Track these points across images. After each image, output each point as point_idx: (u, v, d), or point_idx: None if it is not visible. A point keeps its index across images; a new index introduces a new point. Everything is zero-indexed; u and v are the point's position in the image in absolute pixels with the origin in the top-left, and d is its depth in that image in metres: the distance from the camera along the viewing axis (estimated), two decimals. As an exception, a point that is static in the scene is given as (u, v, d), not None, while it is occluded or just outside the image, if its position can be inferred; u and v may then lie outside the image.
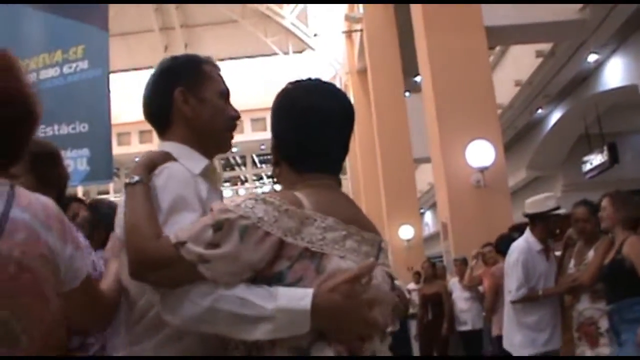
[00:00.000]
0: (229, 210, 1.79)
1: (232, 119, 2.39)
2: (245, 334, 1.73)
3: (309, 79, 2.27)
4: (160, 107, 2.33)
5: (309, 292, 1.72)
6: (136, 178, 2.05)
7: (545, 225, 6.17)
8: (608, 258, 5.36)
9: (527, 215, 6.31)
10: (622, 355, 5.02)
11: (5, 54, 1.82)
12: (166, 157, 2.17)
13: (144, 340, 2.00)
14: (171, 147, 2.26)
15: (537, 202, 6.26)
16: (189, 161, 2.20)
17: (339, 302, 1.73)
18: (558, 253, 6.41)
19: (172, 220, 1.94)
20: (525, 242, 6.26)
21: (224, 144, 2.40)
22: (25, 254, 1.65)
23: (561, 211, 6.22)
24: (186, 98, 2.27)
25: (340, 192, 2.08)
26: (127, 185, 2.08)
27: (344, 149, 2.15)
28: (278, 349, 1.74)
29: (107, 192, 41.00)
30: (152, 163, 2.13)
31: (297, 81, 2.22)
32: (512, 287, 6.24)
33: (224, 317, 1.73)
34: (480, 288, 9.92)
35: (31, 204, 1.72)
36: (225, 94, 2.39)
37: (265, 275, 1.78)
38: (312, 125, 2.07)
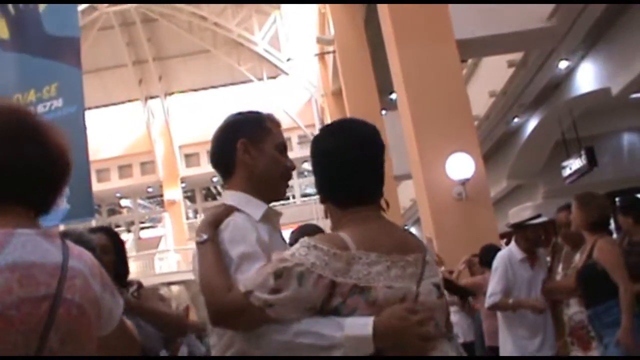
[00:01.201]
0: (286, 259, 2.11)
1: (287, 169, 2.64)
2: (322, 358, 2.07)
3: (338, 121, 2.62)
4: (224, 156, 2.62)
5: (370, 320, 2.05)
6: (204, 237, 2.36)
7: (523, 234, 6.29)
8: (581, 262, 5.39)
9: (509, 227, 6.42)
10: (608, 356, 5.05)
11: (30, 112, 1.99)
12: (229, 210, 2.47)
13: None
14: (233, 196, 2.56)
15: (514, 213, 6.43)
16: (249, 208, 2.50)
17: (395, 325, 2.06)
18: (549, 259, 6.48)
19: (243, 269, 2.26)
20: (508, 251, 6.41)
21: (280, 191, 2.66)
22: (82, 299, 1.80)
23: (541, 219, 6.30)
24: (247, 148, 2.56)
25: (380, 222, 2.33)
26: (197, 243, 2.38)
27: (379, 178, 2.41)
28: None
29: (90, 230, 40.80)
30: (218, 219, 2.42)
31: (325, 125, 2.53)
32: (487, 294, 6.41)
33: (304, 348, 2.06)
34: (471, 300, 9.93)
35: (81, 255, 1.89)
36: (282, 146, 2.65)
37: (325, 311, 2.10)
38: (339, 165, 2.34)
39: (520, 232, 6.33)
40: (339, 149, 2.35)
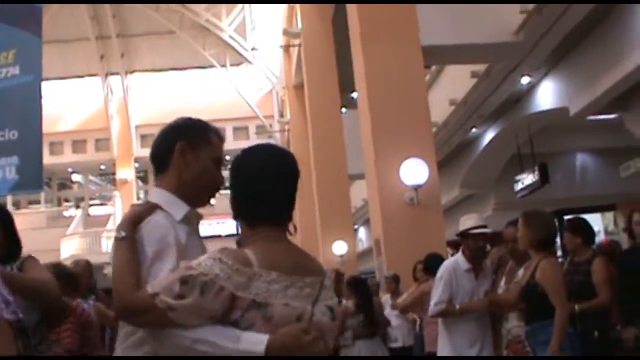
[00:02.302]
0: (193, 267, 2.21)
1: (216, 184, 2.74)
2: None
3: (260, 144, 2.68)
4: (162, 153, 2.72)
5: (265, 338, 2.17)
6: (123, 234, 2.46)
7: (466, 244, 6.34)
8: (524, 280, 5.46)
9: (457, 235, 6.49)
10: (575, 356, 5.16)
11: None
12: (151, 209, 2.57)
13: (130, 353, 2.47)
14: (159, 194, 2.68)
15: (460, 222, 6.45)
16: (172, 208, 2.62)
17: (289, 344, 2.18)
18: None
19: (155, 268, 2.40)
20: (454, 261, 6.50)
21: (203, 200, 2.76)
22: None
23: (484, 230, 6.37)
24: (184, 152, 2.66)
25: (285, 243, 2.44)
26: (115, 239, 2.48)
27: (289, 203, 2.51)
28: None
29: (38, 202, 40.26)
30: (139, 217, 2.52)
31: (248, 147, 2.59)
32: (432, 302, 6.46)
33: (199, 355, 2.19)
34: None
35: None
36: (219, 161, 2.75)
37: (225, 322, 2.21)
38: (252, 186, 2.45)
39: (464, 241, 6.40)
40: (253, 171, 2.47)
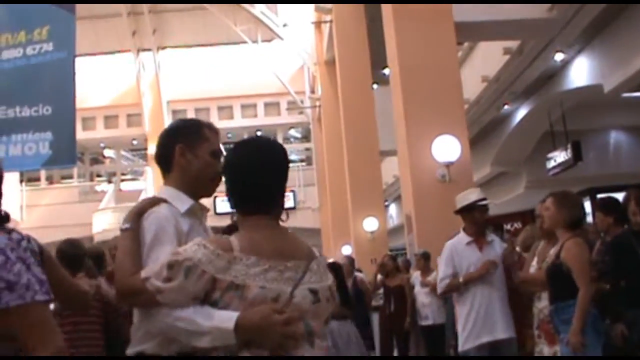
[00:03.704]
0: (179, 253, 2.48)
1: (218, 174, 2.98)
2: (195, 342, 2.44)
3: (252, 137, 3.02)
4: (164, 157, 3.03)
5: (235, 315, 2.39)
6: (126, 225, 2.78)
7: (471, 217, 6.45)
8: (547, 260, 5.45)
9: (456, 213, 6.52)
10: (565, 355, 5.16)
11: None
12: (153, 202, 2.89)
13: (146, 342, 2.67)
14: (166, 190, 2.98)
15: (461, 197, 6.55)
16: (177, 202, 2.91)
17: (257, 322, 2.38)
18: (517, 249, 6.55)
19: (152, 254, 2.69)
20: (455, 239, 6.60)
21: (208, 191, 3.05)
22: None
23: (486, 202, 6.52)
24: (184, 153, 2.97)
25: (271, 230, 2.62)
26: (120, 230, 2.79)
27: (278, 193, 2.70)
28: (220, 351, 2.43)
29: (71, 177, 40.62)
30: (142, 209, 2.83)
31: (239, 142, 2.79)
32: (437, 281, 6.69)
33: (181, 332, 2.46)
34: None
35: None
36: (216, 153, 3.03)
37: (207, 302, 2.45)
38: (242, 177, 2.65)
39: (468, 215, 6.47)
40: (243, 162, 2.67)
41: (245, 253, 2.47)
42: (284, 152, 2.74)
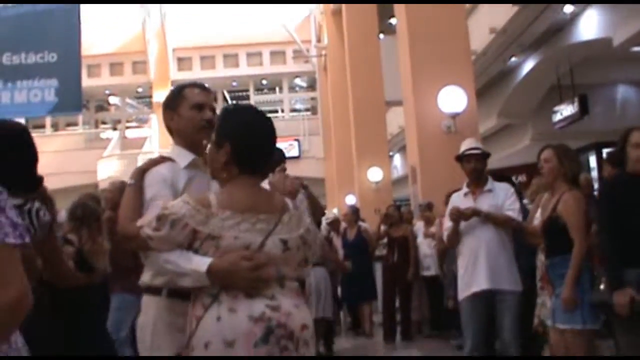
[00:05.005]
0: (167, 208, 2.86)
1: (205, 121, 3.48)
2: (180, 282, 2.84)
3: (238, 106, 3.47)
4: (166, 125, 3.61)
5: (208, 260, 2.77)
6: (132, 181, 3.34)
7: (462, 167, 6.52)
8: (546, 213, 5.45)
9: (455, 159, 6.62)
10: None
11: None
12: (156, 161, 3.46)
13: (146, 274, 3.29)
14: (171, 149, 3.53)
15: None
16: (179, 158, 3.45)
17: (225, 267, 2.74)
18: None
19: (151, 206, 3.19)
20: (459, 191, 6.65)
21: (200, 139, 3.46)
22: None
23: (475, 151, 6.47)
24: (172, 116, 3.55)
25: (249, 188, 2.97)
26: (126, 185, 3.39)
27: (262, 157, 3.05)
28: (204, 294, 2.78)
29: (76, 124, 40.62)
30: (146, 168, 3.39)
31: (227, 108, 3.20)
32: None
33: (169, 272, 2.88)
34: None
35: None
36: (198, 105, 3.51)
37: (190, 249, 2.83)
38: (231, 142, 2.97)
39: (462, 165, 6.51)
40: (228, 131, 3.00)
41: (222, 208, 2.83)
42: (268, 121, 3.10)
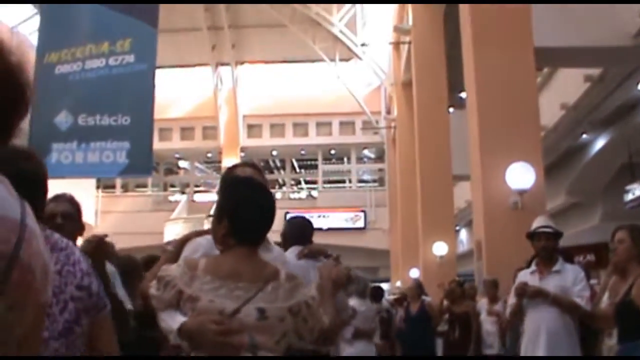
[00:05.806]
0: (165, 269, 3.10)
1: None
2: (170, 337, 2.95)
3: (242, 178, 3.65)
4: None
5: (182, 320, 2.91)
6: (170, 248, 3.80)
7: (532, 245, 6.45)
8: (618, 297, 5.29)
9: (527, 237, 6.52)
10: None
11: None
12: (199, 233, 3.81)
13: None
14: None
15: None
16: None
17: (194, 327, 2.87)
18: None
19: None
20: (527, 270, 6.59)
21: None
22: (36, 263, 1.47)
23: (546, 230, 6.37)
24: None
25: (241, 257, 3.06)
26: (164, 250, 3.90)
27: (257, 229, 3.17)
28: (184, 349, 2.95)
29: (145, 185, 41.31)
30: (186, 238, 3.78)
31: (233, 179, 3.66)
32: None
33: (162, 328, 3.00)
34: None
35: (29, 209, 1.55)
36: None
37: (177, 309, 2.99)
38: (229, 213, 3.14)
39: (532, 243, 6.44)
40: (227, 202, 3.21)
41: (205, 272, 2.98)
42: (266, 195, 3.27)
